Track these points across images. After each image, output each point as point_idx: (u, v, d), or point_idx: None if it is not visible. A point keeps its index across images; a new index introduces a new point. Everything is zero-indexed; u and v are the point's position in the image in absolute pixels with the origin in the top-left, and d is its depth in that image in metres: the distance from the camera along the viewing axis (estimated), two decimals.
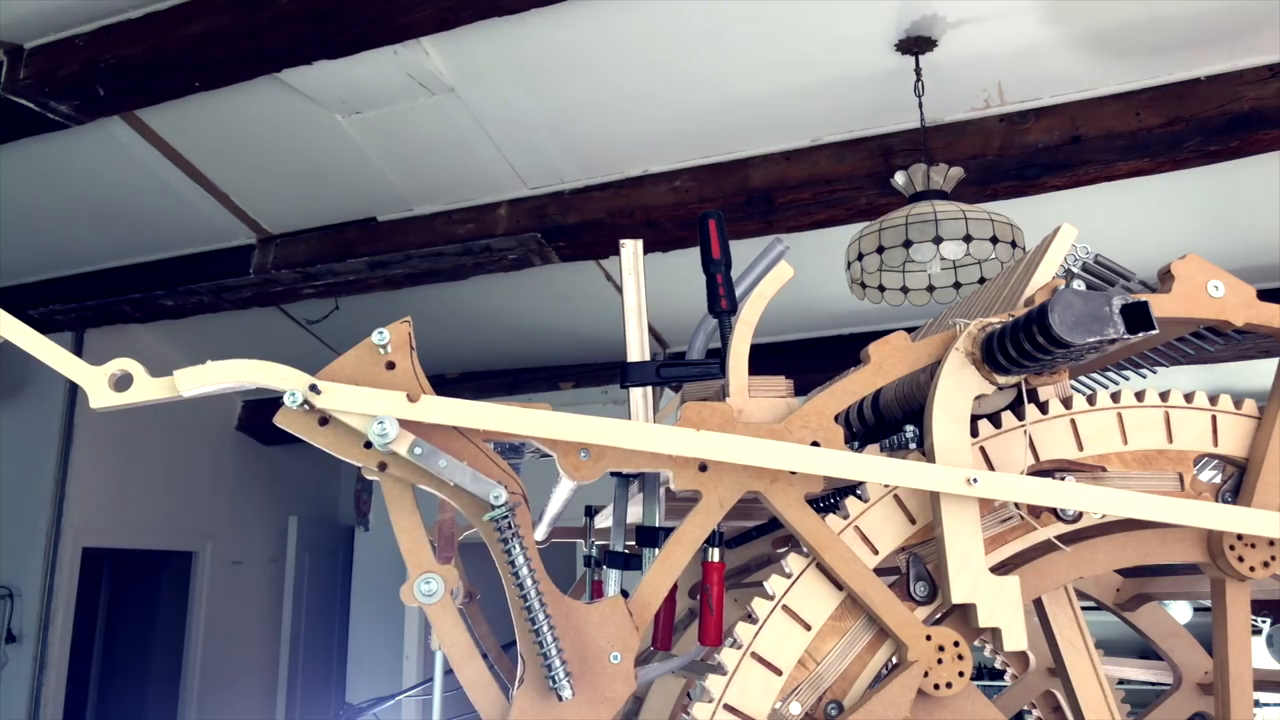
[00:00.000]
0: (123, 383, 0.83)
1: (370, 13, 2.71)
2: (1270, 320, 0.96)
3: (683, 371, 0.99)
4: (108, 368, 0.83)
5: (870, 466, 0.88)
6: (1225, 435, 0.97)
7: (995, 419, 0.94)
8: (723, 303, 1.01)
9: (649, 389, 0.98)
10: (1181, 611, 5.33)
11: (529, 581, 0.81)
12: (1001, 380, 0.90)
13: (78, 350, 5.03)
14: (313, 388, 0.83)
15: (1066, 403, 0.95)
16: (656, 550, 0.91)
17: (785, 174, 3.55)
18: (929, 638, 0.87)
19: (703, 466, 0.89)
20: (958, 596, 0.87)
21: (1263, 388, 0.99)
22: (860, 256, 2.64)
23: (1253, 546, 0.95)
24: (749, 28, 3.01)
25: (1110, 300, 0.81)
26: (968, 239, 2.47)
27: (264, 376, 0.84)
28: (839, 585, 0.89)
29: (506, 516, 0.81)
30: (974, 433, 0.92)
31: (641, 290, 0.99)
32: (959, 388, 0.89)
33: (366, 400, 0.84)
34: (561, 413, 0.87)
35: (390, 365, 0.87)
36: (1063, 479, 0.92)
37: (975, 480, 0.87)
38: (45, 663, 5.05)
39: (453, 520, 1.52)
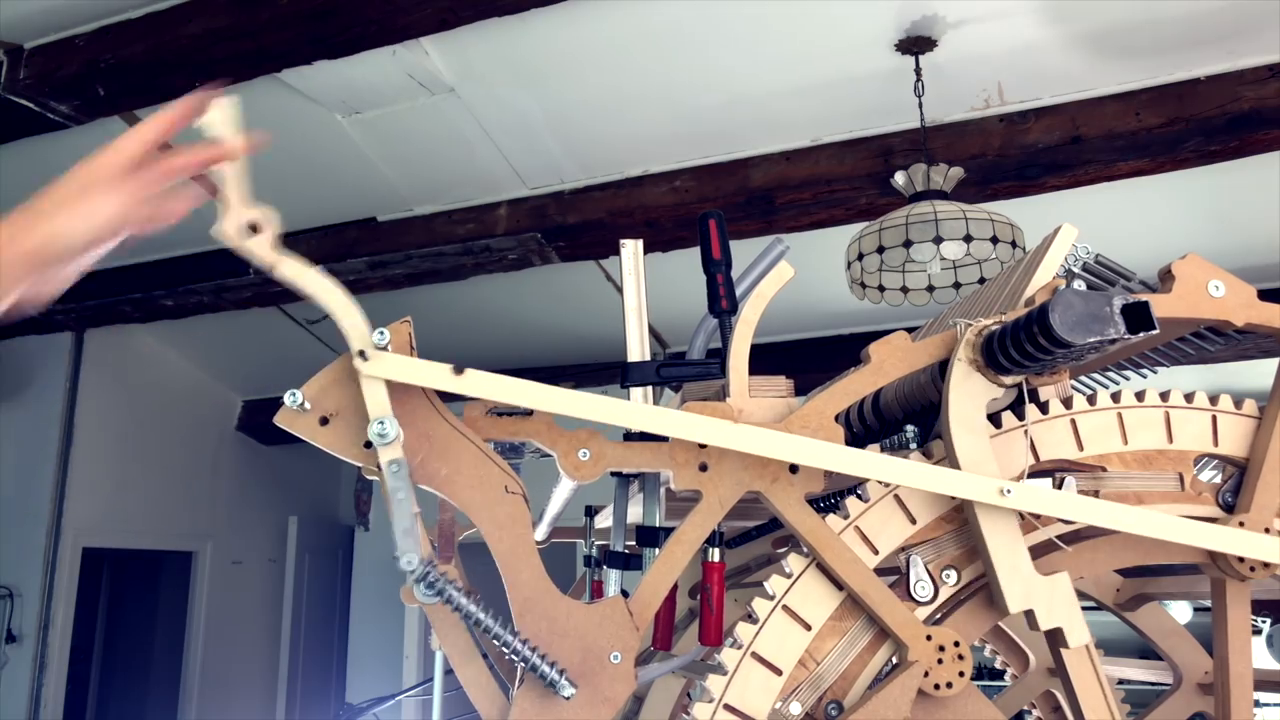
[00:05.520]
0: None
1: (370, 13, 2.71)
2: (1270, 320, 0.96)
3: (683, 371, 0.98)
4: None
5: (906, 472, 0.87)
6: (1225, 435, 0.97)
7: (995, 419, 0.94)
8: (723, 303, 1.01)
9: (649, 389, 0.98)
10: (1181, 611, 5.33)
11: (481, 615, 0.80)
12: (1005, 381, 0.90)
13: (77, 350, 5.01)
14: (361, 354, 0.84)
15: (1067, 402, 0.95)
16: (656, 550, 0.91)
17: (785, 174, 3.55)
18: (929, 638, 0.87)
19: (703, 466, 0.89)
20: (1014, 606, 0.86)
21: (1263, 388, 0.99)
22: (860, 256, 2.64)
23: None
24: (749, 28, 3.00)
25: (1111, 300, 0.81)
26: (968, 239, 2.47)
27: (344, 314, 0.88)
28: (839, 585, 0.89)
29: (428, 574, 0.79)
30: None
31: (641, 290, 0.99)
32: (969, 399, 0.89)
33: (413, 370, 0.84)
34: (610, 398, 0.85)
35: None
36: (1063, 479, 0.92)
37: (1008, 491, 0.86)
38: (45, 663, 5.05)
39: (453, 520, 1.51)
